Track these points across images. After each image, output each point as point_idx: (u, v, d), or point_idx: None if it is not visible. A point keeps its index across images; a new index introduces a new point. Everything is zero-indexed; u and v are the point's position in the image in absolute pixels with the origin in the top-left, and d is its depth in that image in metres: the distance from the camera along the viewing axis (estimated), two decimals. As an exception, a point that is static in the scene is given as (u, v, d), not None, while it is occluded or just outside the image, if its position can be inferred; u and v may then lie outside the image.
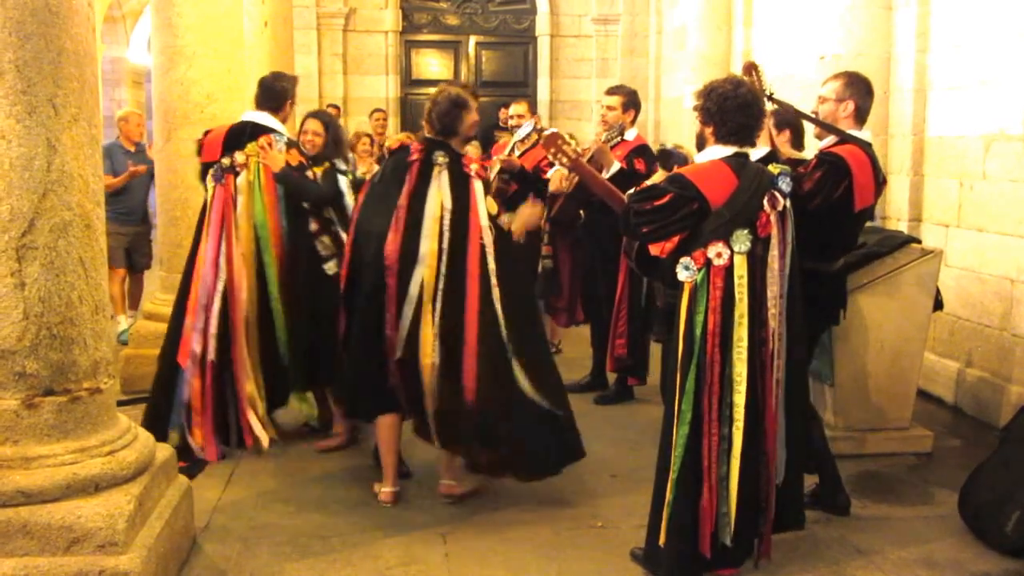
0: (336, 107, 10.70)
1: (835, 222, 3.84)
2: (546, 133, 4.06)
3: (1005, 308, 5.42)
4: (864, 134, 3.98)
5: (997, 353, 5.47)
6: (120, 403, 3.62)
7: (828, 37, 6.13)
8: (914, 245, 4.84)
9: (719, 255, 3.23)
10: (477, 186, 4.03)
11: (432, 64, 12.47)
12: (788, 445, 3.41)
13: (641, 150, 5.59)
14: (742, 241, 3.24)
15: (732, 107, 3.33)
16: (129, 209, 7.48)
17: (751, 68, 3.90)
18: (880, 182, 3.96)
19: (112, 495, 3.05)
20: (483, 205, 4.02)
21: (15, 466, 2.97)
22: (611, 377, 5.93)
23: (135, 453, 3.21)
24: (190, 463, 4.44)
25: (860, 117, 3.99)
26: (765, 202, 3.28)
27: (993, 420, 5.32)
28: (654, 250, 3.46)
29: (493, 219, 4.06)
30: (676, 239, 3.34)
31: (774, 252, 3.28)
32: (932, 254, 4.80)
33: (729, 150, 3.37)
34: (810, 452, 3.91)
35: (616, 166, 5.16)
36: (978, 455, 4.32)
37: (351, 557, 3.64)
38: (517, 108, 7.16)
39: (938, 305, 4.87)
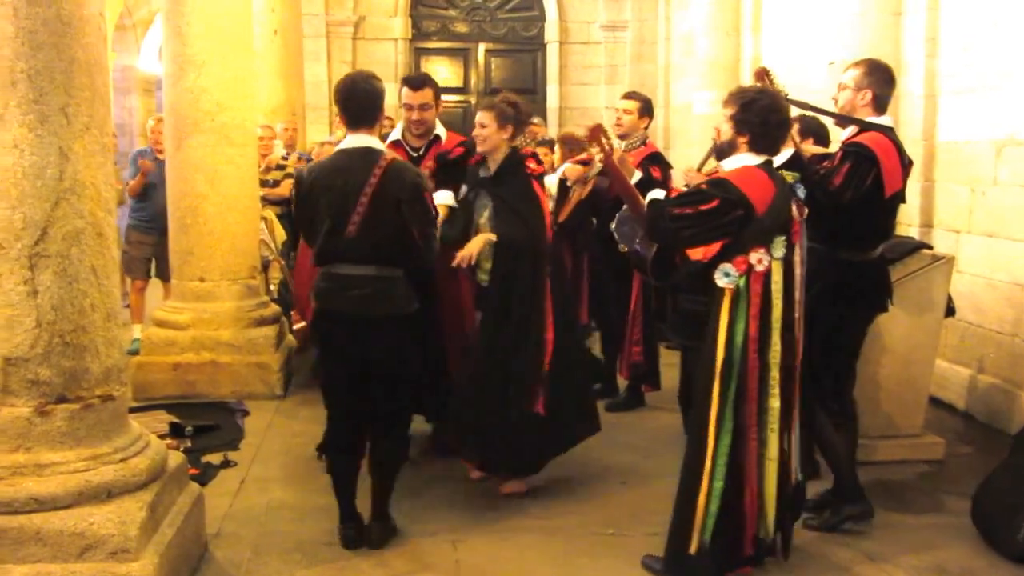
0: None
1: (868, 211, 3.84)
2: (591, 124, 4.18)
3: (1017, 314, 5.39)
4: (884, 119, 3.95)
5: (1009, 359, 5.45)
6: (132, 410, 3.64)
7: (837, 42, 6.12)
8: (925, 251, 4.82)
9: (760, 261, 3.26)
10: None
11: (441, 71, 12.47)
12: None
13: (654, 157, 5.58)
14: (779, 247, 3.29)
15: (775, 122, 3.40)
16: (151, 216, 7.18)
17: (763, 73, 3.91)
18: (906, 164, 3.96)
19: (124, 502, 3.06)
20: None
21: (28, 473, 2.98)
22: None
23: (147, 460, 3.22)
24: (201, 470, 4.46)
25: (879, 105, 3.94)
26: (794, 209, 3.35)
27: (1005, 427, 5.29)
28: (695, 254, 3.48)
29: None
30: (719, 244, 3.36)
31: (796, 258, 3.35)
32: (943, 260, 4.78)
33: (760, 159, 3.41)
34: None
35: (637, 175, 5.13)
36: (990, 462, 4.30)
37: (361, 564, 3.64)
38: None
39: (950, 311, 4.85)
